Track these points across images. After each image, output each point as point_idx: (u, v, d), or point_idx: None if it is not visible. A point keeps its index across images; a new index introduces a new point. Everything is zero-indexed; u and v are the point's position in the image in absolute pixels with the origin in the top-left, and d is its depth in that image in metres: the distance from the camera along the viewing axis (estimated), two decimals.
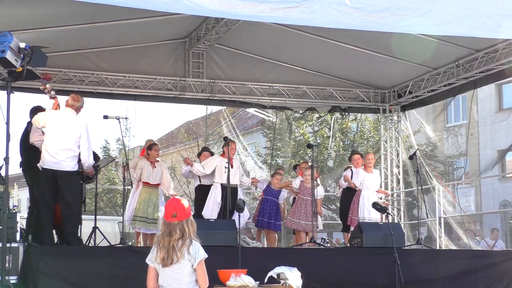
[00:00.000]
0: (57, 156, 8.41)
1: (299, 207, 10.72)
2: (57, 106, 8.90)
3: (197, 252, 4.88)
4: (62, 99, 9.23)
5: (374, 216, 10.78)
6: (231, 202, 10.10)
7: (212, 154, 11.56)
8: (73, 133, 8.54)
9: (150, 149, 10.81)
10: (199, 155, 11.61)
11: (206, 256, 4.93)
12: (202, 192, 10.94)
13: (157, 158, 10.86)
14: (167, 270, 4.89)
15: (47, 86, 8.94)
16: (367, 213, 10.82)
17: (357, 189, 11.12)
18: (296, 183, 10.88)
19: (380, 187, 12.31)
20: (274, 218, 11.08)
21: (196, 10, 6.55)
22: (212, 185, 10.74)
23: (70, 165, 8.50)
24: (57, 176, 8.43)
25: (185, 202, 4.99)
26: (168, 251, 4.84)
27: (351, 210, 11.08)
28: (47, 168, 8.43)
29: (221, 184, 10.54)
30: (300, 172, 11.16)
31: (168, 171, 11.30)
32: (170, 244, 4.84)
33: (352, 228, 10.79)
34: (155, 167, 10.75)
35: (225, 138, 10.69)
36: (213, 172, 10.72)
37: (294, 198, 11.23)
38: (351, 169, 11.38)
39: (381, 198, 11.61)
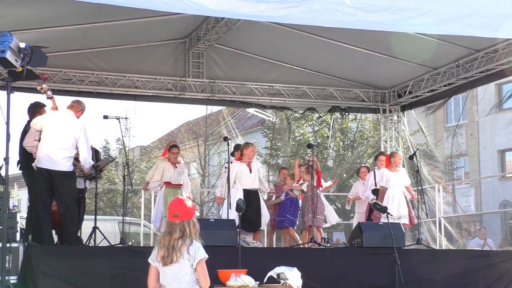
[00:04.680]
0: (53, 155, 8.41)
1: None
2: (55, 107, 8.91)
3: (197, 252, 4.90)
4: (62, 99, 9.28)
5: (403, 213, 10.87)
6: (250, 206, 10.09)
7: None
8: (70, 135, 8.55)
9: (169, 150, 11.20)
10: (232, 154, 11.47)
11: (207, 256, 4.95)
12: None
13: (178, 159, 11.19)
14: (167, 269, 4.92)
15: (44, 86, 8.93)
16: (394, 212, 10.86)
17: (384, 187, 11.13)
18: (305, 186, 10.97)
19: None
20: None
21: (196, 10, 6.55)
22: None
23: (65, 165, 8.50)
24: (53, 175, 8.44)
25: (188, 203, 5.01)
26: (168, 250, 4.88)
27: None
28: (42, 168, 8.43)
29: (243, 189, 10.39)
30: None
31: (186, 173, 11.59)
32: (170, 244, 4.88)
33: None
34: (176, 167, 11.07)
35: (225, 138, 10.65)
36: None
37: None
38: (373, 172, 11.42)
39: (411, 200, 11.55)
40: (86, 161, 8.69)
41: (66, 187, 8.57)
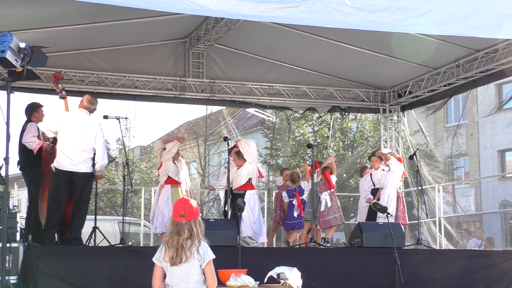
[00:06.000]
0: (75, 158, 8.46)
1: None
2: (67, 107, 8.93)
3: (206, 253, 4.95)
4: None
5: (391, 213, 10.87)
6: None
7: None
8: (89, 134, 8.58)
9: None
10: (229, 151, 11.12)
11: (214, 256, 5.00)
12: None
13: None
14: (175, 269, 4.93)
15: (59, 85, 8.97)
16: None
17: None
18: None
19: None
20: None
21: (196, 10, 6.55)
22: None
23: (87, 167, 8.57)
24: (75, 177, 8.49)
25: (193, 202, 5.03)
26: (177, 250, 4.88)
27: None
28: (64, 170, 8.45)
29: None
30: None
31: (186, 171, 11.59)
32: (179, 243, 4.89)
33: None
34: (178, 167, 11.03)
35: (225, 138, 10.64)
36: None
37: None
38: (370, 173, 11.47)
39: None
40: (101, 160, 8.67)
41: (85, 188, 8.65)
